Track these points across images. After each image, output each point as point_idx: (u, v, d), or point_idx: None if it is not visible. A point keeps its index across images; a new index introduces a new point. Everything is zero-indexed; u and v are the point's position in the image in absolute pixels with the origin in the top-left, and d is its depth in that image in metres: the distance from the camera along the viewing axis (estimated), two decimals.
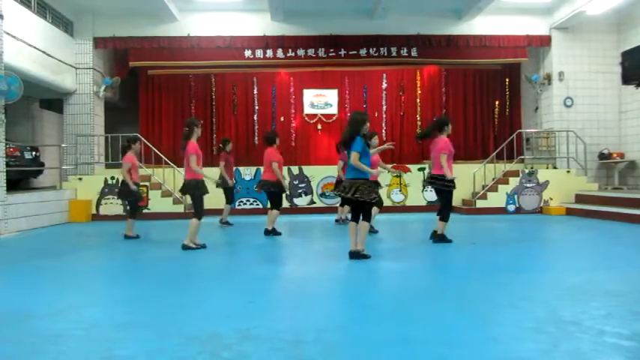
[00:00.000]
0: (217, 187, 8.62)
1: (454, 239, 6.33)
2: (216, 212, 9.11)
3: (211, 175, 6.78)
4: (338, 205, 9.33)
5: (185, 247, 6.01)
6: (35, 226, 8.82)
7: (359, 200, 5.07)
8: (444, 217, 6.21)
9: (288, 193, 7.66)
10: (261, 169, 7.81)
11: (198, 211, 6.08)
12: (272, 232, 7.20)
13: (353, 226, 5.31)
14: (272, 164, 7.13)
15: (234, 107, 12.62)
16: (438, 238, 6.24)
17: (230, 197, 8.89)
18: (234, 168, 10.39)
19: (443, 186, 6.12)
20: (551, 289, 3.88)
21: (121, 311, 3.43)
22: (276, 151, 7.29)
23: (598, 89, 11.78)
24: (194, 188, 6.01)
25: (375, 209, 6.64)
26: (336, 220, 8.90)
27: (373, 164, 5.94)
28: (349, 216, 8.54)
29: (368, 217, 5.27)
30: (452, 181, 6.07)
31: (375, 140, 6.95)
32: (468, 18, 11.53)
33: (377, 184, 6.86)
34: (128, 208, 7.79)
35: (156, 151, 11.06)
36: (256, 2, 10.94)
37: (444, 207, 6.25)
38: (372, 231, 7.26)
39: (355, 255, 5.17)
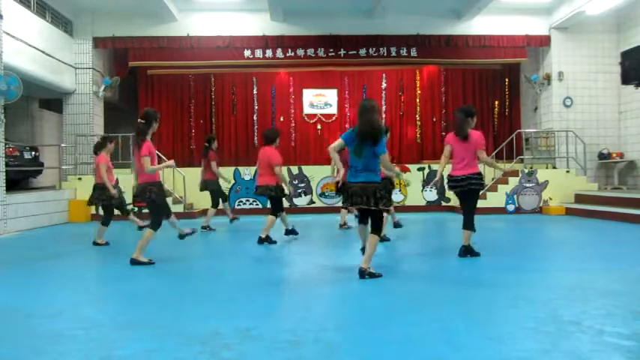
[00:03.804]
0: (202, 189, 8.09)
1: (454, 239, 6.07)
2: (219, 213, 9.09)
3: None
4: (340, 205, 9.03)
5: (134, 262, 4.98)
6: (35, 226, 8.81)
7: (377, 209, 4.19)
8: (470, 225, 5.14)
9: (289, 194, 7.09)
10: None
11: (157, 219, 5.08)
12: (266, 240, 6.40)
13: (362, 227, 4.63)
14: (275, 168, 6.31)
15: (234, 107, 12.62)
16: (465, 251, 5.19)
17: (216, 200, 8.11)
18: (234, 168, 10.40)
19: (477, 185, 5.11)
20: (551, 289, 3.88)
21: (120, 311, 3.43)
22: (276, 152, 6.42)
23: (597, 89, 11.79)
24: (154, 193, 4.98)
25: (384, 215, 5.45)
26: (341, 226, 8.07)
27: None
28: (349, 222, 8.20)
29: (378, 229, 4.26)
30: (482, 177, 5.17)
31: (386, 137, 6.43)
32: (468, 18, 11.54)
33: (390, 182, 5.52)
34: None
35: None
36: (256, 2, 10.94)
37: (470, 212, 5.17)
38: (384, 239, 6.30)
39: (362, 274, 4.23)
